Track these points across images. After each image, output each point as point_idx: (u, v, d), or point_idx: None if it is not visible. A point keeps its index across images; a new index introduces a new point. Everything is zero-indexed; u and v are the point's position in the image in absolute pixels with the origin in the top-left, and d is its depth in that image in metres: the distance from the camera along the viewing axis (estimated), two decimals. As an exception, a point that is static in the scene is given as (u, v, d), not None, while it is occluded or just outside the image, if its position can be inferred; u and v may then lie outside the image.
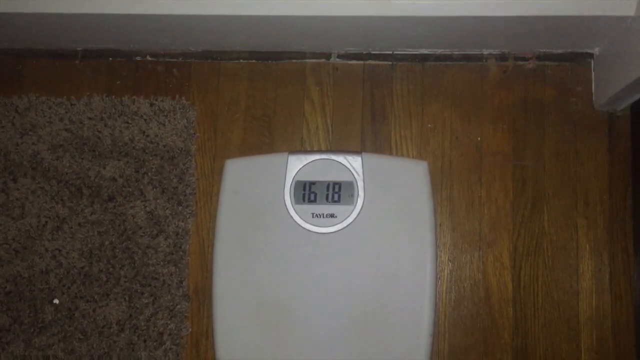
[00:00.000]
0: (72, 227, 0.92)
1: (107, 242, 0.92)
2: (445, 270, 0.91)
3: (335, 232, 0.87)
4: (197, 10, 0.83)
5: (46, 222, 0.93)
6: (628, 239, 0.89)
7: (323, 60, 0.96)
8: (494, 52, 0.94)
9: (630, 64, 0.80)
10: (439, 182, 0.92)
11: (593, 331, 0.88)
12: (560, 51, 0.93)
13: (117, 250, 0.91)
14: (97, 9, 0.84)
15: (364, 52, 0.95)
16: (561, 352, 0.88)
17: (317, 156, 0.89)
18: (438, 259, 0.90)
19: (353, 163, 0.88)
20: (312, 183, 0.88)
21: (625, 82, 0.81)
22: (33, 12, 0.85)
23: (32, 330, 0.90)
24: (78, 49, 0.98)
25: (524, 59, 0.94)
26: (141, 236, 0.91)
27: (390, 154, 0.93)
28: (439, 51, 0.94)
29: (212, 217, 0.91)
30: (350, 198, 0.87)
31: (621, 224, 0.90)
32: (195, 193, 0.93)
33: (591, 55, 0.93)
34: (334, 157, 0.89)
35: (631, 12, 0.78)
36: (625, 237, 0.89)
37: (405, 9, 0.79)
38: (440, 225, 0.91)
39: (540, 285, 0.89)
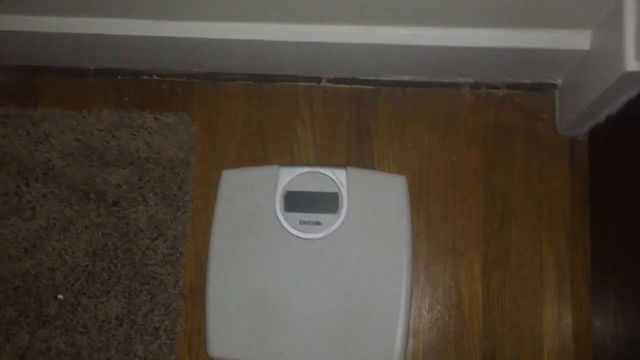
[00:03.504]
0: (78, 229, 1.00)
1: (110, 243, 0.99)
2: (421, 277, 0.99)
3: (320, 238, 0.94)
4: (198, 33, 0.91)
5: (54, 223, 1.00)
6: (586, 251, 0.97)
7: (314, 83, 1.05)
8: (468, 81, 1.03)
9: (585, 93, 0.89)
10: (417, 196, 1.00)
11: (555, 335, 0.96)
12: (527, 81, 1.03)
13: (119, 251, 0.99)
14: (108, 31, 0.92)
15: (351, 78, 1.04)
16: (526, 355, 0.96)
17: (306, 169, 0.97)
18: (414, 266, 0.98)
19: (338, 176, 0.96)
20: (301, 193, 0.96)
21: (580, 110, 0.91)
22: (51, 31, 0.93)
23: (36, 323, 0.97)
24: (91, 67, 1.07)
25: (495, 87, 1.04)
26: (142, 238, 0.99)
27: (373, 169, 1.02)
28: (419, 78, 1.04)
29: (208, 222, 0.98)
30: (335, 208, 0.95)
31: (580, 238, 0.98)
32: (193, 200, 1.01)
33: (555, 86, 1.02)
34: (321, 170, 0.97)
35: (586, 46, 0.88)
36: (584, 250, 0.97)
37: (386, 37, 0.88)
38: (417, 235, 0.99)
39: (508, 292, 0.97)
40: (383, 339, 0.92)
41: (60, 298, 0.98)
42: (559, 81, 1.01)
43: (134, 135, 1.02)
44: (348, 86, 1.05)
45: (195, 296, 0.98)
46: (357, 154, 1.03)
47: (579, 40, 0.87)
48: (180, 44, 0.94)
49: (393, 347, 0.91)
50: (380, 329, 0.92)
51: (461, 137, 1.02)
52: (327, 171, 0.97)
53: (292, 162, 1.02)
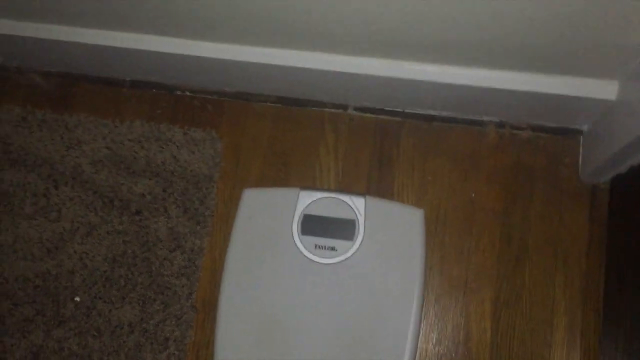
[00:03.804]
0: (100, 234, 1.03)
1: (129, 251, 1.02)
2: (431, 310, 0.99)
3: (334, 263, 0.96)
4: (232, 55, 0.94)
5: (78, 227, 1.03)
6: (599, 300, 0.97)
7: (341, 110, 1.07)
8: (493, 120, 1.04)
9: (609, 142, 0.89)
10: (433, 229, 1.01)
11: (561, 381, 0.95)
12: (553, 125, 1.03)
13: (138, 259, 1.01)
14: (147, 47, 0.96)
15: (378, 108, 1.06)
16: (530, 399, 0.96)
17: (325, 194, 0.99)
18: (425, 298, 0.98)
19: (357, 203, 0.98)
20: (319, 217, 0.98)
21: (604, 158, 0.91)
22: (91, 43, 0.97)
23: (52, 322, 1.00)
24: (127, 79, 1.11)
25: (519, 128, 1.04)
26: (160, 249, 1.02)
27: (392, 199, 1.03)
28: (444, 113, 1.05)
29: (226, 238, 1.00)
30: (351, 235, 0.97)
31: (595, 286, 0.97)
32: (213, 215, 1.04)
33: (580, 132, 1.03)
34: (340, 196, 0.98)
35: (613, 96, 0.88)
36: (597, 298, 0.97)
37: (415, 72, 0.90)
38: (430, 268, 1.00)
39: (517, 333, 0.97)
40: (388, 369, 0.93)
41: (77, 300, 1.00)
42: (585, 127, 1.02)
43: (162, 148, 1.05)
44: (374, 116, 1.07)
45: (207, 310, 1.00)
46: (377, 182, 1.04)
47: (606, 90, 0.88)
48: (214, 64, 0.97)
49: (397, 378, 0.92)
50: (386, 359, 0.93)
51: (482, 175, 1.03)
52: (346, 198, 0.98)
53: (312, 187, 1.03)
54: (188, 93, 1.10)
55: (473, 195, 1.03)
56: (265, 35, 0.89)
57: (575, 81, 0.89)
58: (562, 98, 0.91)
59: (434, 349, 0.98)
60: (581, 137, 1.03)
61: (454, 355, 0.97)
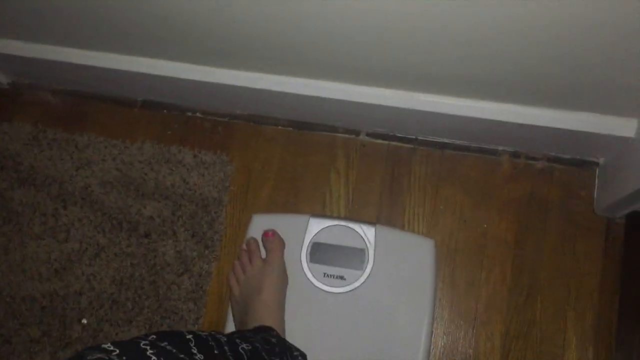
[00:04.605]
0: (108, 256, 1.02)
1: (137, 274, 1.01)
2: (439, 342, 0.98)
3: (342, 293, 0.95)
4: (245, 82, 0.93)
5: (86, 248, 1.03)
6: (612, 337, 0.95)
7: (353, 136, 1.06)
8: (508, 149, 1.03)
9: (628, 178, 0.88)
10: (444, 260, 1.00)
11: (570, 420, 0.94)
12: (568, 156, 1.01)
13: (145, 282, 1.01)
14: (158, 72, 0.95)
15: (390, 134, 1.05)
16: None
17: (335, 222, 0.98)
18: (434, 330, 0.97)
19: (367, 232, 0.97)
20: (328, 246, 0.97)
21: (622, 194, 0.89)
22: (104, 66, 0.96)
23: (59, 344, 0.99)
24: (138, 99, 1.10)
25: (534, 158, 1.03)
26: (168, 272, 1.01)
27: (402, 228, 1.02)
28: (458, 142, 1.04)
29: (234, 264, 1.00)
30: (360, 264, 0.96)
31: (607, 322, 0.96)
32: (221, 240, 1.03)
33: (596, 164, 1.01)
34: (350, 224, 0.97)
35: (632, 133, 0.86)
36: (609, 335, 0.95)
37: (427, 104, 0.89)
38: (439, 299, 0.99)
39: (526, 369, 0.96)
40: (395, 402, 0.92)
41: (84, 322, 1.00)
42: (601, 160, 1.00)
43: (172, 170, 1.05)
44: (386, 142, 1.06)
45: (214, 336, 0.99)
46: (388, 210, 1.03)
47: (625, 127, 0.86)
48: (226, 90, 0.96)
49: (404, 411, 0.91)
50: (392, 392, 0.92)
51: (495, 206, 1.02)
52: (356, 226, 0.97)
53: (323, 214, 1.02)
54: (199, 115, 1.09)
55: (485, 226, 1.01)
56: (278, 64, 0.88)
57: (593, 118, 0.87)
58: (580, 134, 0.89)
59: (442, 382, 0.96)
60: (597, 169, 1.01)
61: (461, 389, 0.96)
